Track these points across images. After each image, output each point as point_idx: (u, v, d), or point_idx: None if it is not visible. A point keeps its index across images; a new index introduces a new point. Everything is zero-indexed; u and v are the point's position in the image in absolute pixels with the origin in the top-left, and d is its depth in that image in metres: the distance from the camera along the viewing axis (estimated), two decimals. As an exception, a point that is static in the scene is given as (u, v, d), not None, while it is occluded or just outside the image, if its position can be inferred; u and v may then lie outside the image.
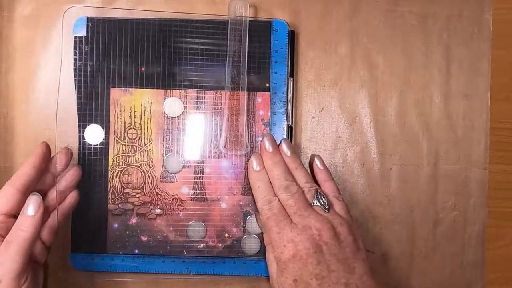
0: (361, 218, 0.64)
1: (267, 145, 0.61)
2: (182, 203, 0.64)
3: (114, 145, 0.64)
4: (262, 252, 0.64)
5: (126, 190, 0.64)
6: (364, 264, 0.55)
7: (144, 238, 0.64)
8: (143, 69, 0.63)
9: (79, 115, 0.63)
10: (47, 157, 0.59)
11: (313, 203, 0.58)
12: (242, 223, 0.64)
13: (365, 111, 0.64)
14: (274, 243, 0.56)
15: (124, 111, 0.63)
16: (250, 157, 0.62)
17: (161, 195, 0.64)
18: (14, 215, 0.55)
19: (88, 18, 0.63)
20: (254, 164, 0.61)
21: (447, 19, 0.64)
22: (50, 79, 0.65)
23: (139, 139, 0.64)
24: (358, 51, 0.64)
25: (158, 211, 0.64)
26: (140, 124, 0.64)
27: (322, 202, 0.57)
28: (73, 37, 0.63)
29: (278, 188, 0.59)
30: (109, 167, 0.64)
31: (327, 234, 0.55)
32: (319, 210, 0.57)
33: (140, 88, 0.63)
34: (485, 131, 0.64)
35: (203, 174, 0.64)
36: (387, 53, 0.64)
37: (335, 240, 0.55)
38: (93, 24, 0.63)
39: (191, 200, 0.64)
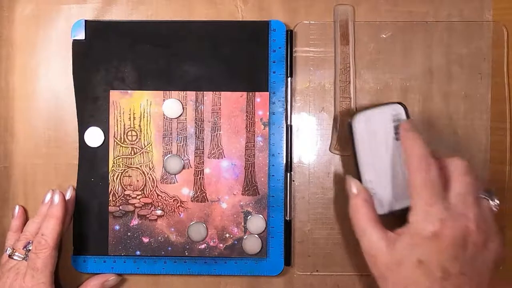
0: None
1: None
2: (182, 204, 0.64)
3: (114, 147, 0.64)
4: (263, 251, 0.64)
5: (127, 192, 0.64)
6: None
7: (145, 240, 0.64)
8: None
9: (78, 118, 0.64)
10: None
11: (483, 195, 0.53)
12: (243, 223, 0.64)
13: (365, 111, 0.64)
14: (418, 213, 0.51)
15: (123, 113, 0.64)
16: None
17: (161, 196, 0.64)
18: None
19: (86, 21, 0.63)
20: None
21: (447, 19, 0.64)
22: (50, 79, 0.65)
23: (138, 141, 0.64)
24: (358, 51, 0.64)
25: (159, 212, 0.64)
26: (139, 126, 0.64)
27: (494, 202, 0.54)
28: (72, 41, 0.64)
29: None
30: (109, 170, 0.64)
31: (481, 236, 0.50)
32: (485, 205, 0.53)
33: (139, 90, 0.64)
34: (486, 131, 0.63)
35: (203, 174, 0.64)
36: (387, 53, 0.64)
37: (483, 247, 0.50)
38: (91, 27, 0.63)
39: (192, 200, 0.64)
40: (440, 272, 0.49)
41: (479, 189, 0.53)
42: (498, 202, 0.54)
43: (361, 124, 0.58)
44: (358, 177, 0.58)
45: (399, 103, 0.58)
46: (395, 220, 0.55)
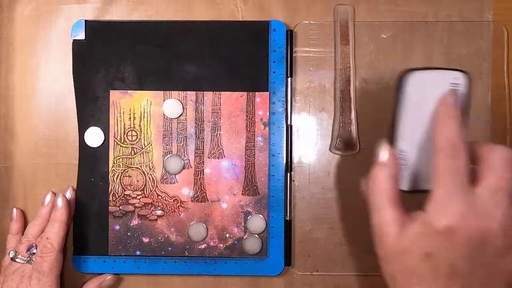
0: (361, 217, 0.64)
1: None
2: (182, 204, 0.64)
3: (114, 147, 0.64)
4: (263, 251, 0.64)
5: (127, 192, 0.64)
6: None
7: (145, 240, 0.64)
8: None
9: (78, 117, 0.64)
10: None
11: None
12: (243, 223, 0.64)
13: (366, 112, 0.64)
14: (435, 201, 0.44)
15: (123, 113, 0.64)
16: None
17: (161, 196, 0.64)
18: None
19: (86, 21, 0.63)
20: None
21: (447, 19, 0.63)
22: (50, 79, 0.65)
23: (139, 141, 0.64)
24: (358, 51, 0.64)
25: (159, 212, 0.64)
26: (139, 126, 0.64)
27: None
28: (72, 41, 0.64)
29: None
30: (110, 170, 0.64)
31: (506, 242, 0.43)
32: None
33: (139, 90, 0.64)
34: (486, 131, 0.63)
35: (203, 174, 0.64)
36: (387, 53, 0.64)
37: (506, 254, 0.43)
38: (91, 27, 0.63)
39: (192, 200, 0.64)
40: (447, 269, 0.43)
41: None
42: None
43: (412, 84, 0.50)
44: (391, 144, 0.51)
45: (463, 71, 0.50)
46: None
